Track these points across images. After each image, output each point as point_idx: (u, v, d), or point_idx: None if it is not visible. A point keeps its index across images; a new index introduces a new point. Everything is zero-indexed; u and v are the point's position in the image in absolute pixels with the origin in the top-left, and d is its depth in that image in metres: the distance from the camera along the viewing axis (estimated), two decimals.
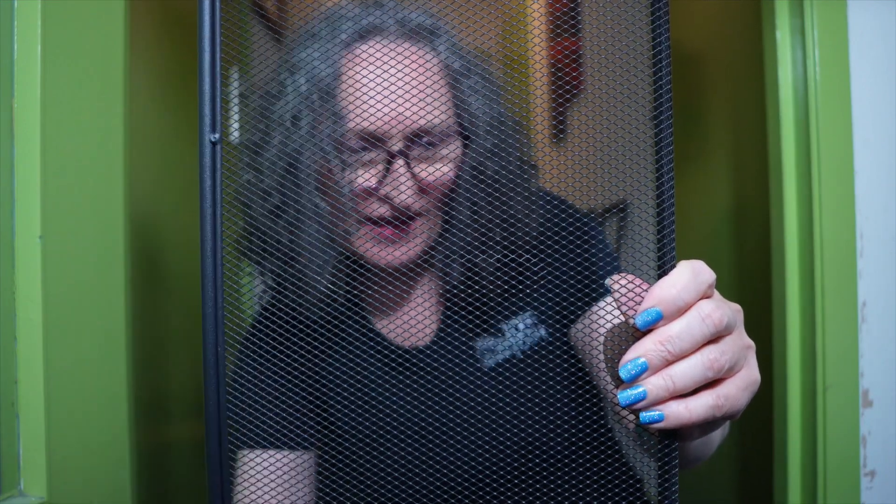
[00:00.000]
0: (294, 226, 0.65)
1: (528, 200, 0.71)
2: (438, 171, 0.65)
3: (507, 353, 0.74)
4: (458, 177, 0.67)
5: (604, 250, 0.77)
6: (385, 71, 0.62)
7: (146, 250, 1.12)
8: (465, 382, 0.73)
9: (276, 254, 0.67)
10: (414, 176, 0.64)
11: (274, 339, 0.69)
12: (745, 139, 1.41)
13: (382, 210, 0.65)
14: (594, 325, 0.69)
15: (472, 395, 0.73)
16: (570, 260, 0.76)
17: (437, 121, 0.64)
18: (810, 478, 0.98)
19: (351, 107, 0.62)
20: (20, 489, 0.60)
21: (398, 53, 0.63)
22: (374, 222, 0.66)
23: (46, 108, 0.62)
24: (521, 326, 0.76)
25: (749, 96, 1.35)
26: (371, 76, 0.62)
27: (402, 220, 0.66)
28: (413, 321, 0.75)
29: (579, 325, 0.74)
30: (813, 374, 0.95)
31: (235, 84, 1.70)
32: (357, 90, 0.62)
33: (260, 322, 0.75)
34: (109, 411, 0.69)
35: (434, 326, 0.76)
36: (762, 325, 1.12)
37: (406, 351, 0.74)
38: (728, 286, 1.51)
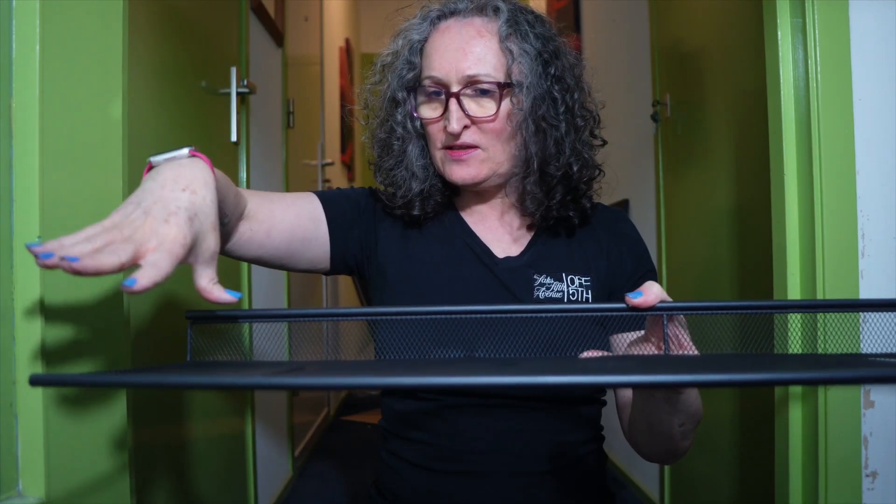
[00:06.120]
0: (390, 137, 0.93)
1: (581, 145, 0.89)
2: (484, 108, 0.85)
3: (557, 295, 0.89)
4: (512, 118, 0.86)
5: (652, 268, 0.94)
6: (451, 36, 0.86)
7: None
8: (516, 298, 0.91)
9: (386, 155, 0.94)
10: (464, 110, 0.84)
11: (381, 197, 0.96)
12: (746, 139, 1.41)
13: (449, 138, 0.86)
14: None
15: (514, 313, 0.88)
16: (635, 248, 0.95)
17: (483, 70, 0.84)
18: (811, 479, 0.98)
19: (427, 61, 0.88)
20: (19, 490, 0.60)
21: (464, 24, 0.86)
22: (448, 148, 0.88)
23: (45, 108, 0.62)
24: (576, 280, 0.90)
25: (750, 96, 1.34)
26: (443, 41, 0.87)
27: (461, 146, 0.86)
28: (493, 236, 0.96)
29: (619, 339, 0.89)
30: None
31: (235, 83, 1.70)
32: (434, 50, 0.87)
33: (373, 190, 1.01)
34: (109, 411, 0.69)
35: (519, 246, 0.94)
36: (763, 325, 1.12)
37: (491, 257, 0.93)
38: (729, 286, 1.50)
